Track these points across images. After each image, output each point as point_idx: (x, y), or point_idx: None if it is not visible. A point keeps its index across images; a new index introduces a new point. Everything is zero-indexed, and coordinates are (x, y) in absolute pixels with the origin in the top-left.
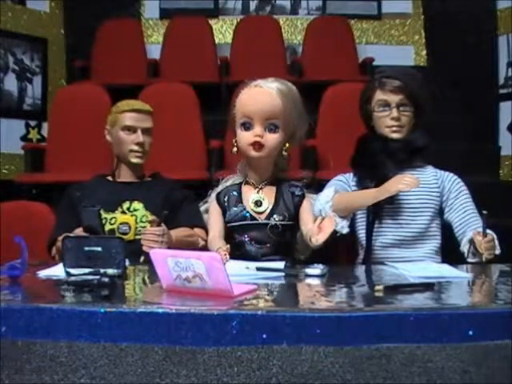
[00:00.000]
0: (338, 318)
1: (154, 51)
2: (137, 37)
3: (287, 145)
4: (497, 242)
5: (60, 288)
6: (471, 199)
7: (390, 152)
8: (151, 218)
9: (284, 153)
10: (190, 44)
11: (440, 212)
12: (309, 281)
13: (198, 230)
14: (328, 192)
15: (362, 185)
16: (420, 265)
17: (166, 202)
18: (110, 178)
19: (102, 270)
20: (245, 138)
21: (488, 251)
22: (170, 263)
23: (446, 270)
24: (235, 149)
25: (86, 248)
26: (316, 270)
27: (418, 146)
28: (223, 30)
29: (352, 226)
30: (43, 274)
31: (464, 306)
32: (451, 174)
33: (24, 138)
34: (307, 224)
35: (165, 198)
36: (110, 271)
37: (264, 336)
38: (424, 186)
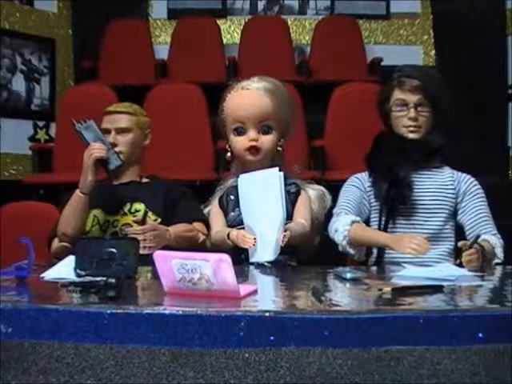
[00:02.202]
0: (346, 320)
1: (162, 51)
2: (144, 37)
3: (282, 140)
4: (498, 251)
5: (66, 289)
6: (486, 203)
7: (407, 152)
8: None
9: (279, 148)
10: (197, 44)
11: (455, 214)
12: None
13: (197, 225)
14: (347, 219)
15: (376, 186)
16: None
17: (166, 202)
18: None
19: (113, 273)
20: (239, 143)
21: (469, 264)
22: (174, 265)
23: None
24: (229, 154)
25: (103, 249)
26: (357, 273)
27: (435, 147)
28: (231, 30)
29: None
30: (48, 276)
31: (474, 309)
32: (468, 176)
33: (32, 139)
34: (296, 217)
35: (165, 197)
36: (122, 274)
37: (272, 338)
38: (440, 187)
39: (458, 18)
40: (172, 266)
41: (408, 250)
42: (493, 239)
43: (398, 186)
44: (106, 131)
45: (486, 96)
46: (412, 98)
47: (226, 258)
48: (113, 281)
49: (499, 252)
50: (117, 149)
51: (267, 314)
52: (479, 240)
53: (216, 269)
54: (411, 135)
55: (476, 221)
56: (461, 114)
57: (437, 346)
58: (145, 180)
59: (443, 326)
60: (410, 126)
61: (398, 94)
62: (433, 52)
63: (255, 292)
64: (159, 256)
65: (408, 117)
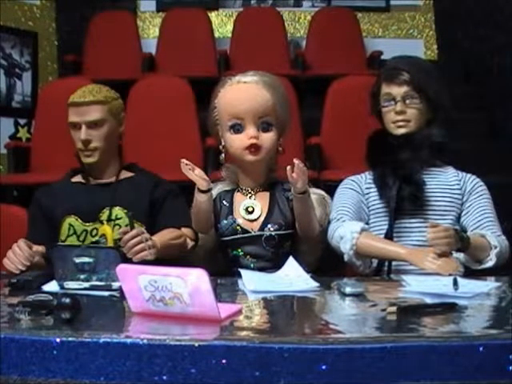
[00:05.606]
0: (348, 351)
1: (150, 45)
2: (131, 30)
3: (281, 140)
4: (493, 253)
5: (14, 309)
6: (492, 205)
7: (412, 148)
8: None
9: (279, 148)
10: (187, 37)
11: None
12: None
13: (185, 230)
14: (355, 226)
15: (382, 184)
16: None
17: (150, 204)
18: (82, 179)
19: (107, 284)
20: (237, 141)
21: (434, 241)
22: (141, 282)
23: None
24: (222, 155)
25: (77, 260)
26: (357, 287)
27: (438, 142)
28: (223, 24)
29: None
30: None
31: (502, 334)
32: (473, 176)
33: (13, 137)
34: None
35: (149, 198)
36: (115, 285)
37: (257, 373)
38: (446, 188)
39: (460, 11)
40: (138, 282)
41: (434, 267)
42: (492, 239)
43: (410, 184)
44: (75, 125)
45: (490, 91)
46: (398, 91)
47: (202, 274)
48: (67, 300)
49: (494, 254)
50: (92, 145)
51: (251, 344)
52: (472, 232)
53: (191, 287)
54: (399, 130)
55: (480, 221)
56: (464, 110)
57: (458, 381)
58: (126, 175)
59: (466, 357)
60: (397, 121)
61: (384, 89)
62: (435, 46)
63: (239, 312)
64: (123, 271)
65: (395, 111)
